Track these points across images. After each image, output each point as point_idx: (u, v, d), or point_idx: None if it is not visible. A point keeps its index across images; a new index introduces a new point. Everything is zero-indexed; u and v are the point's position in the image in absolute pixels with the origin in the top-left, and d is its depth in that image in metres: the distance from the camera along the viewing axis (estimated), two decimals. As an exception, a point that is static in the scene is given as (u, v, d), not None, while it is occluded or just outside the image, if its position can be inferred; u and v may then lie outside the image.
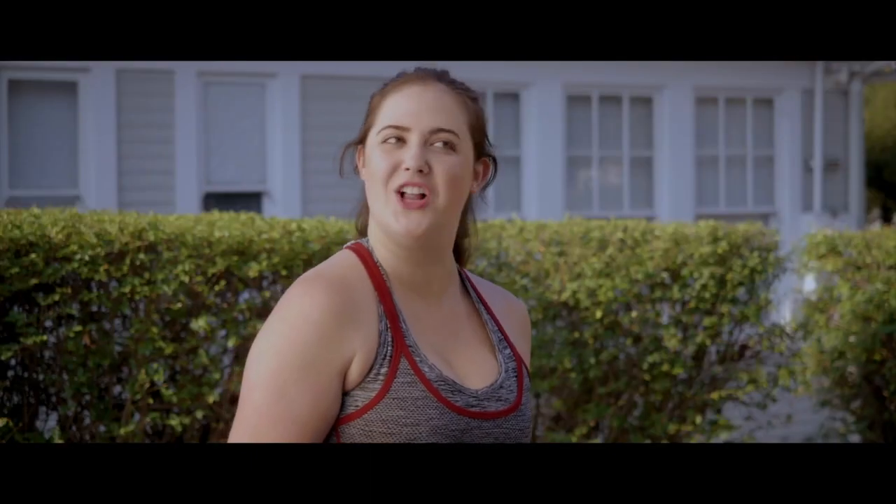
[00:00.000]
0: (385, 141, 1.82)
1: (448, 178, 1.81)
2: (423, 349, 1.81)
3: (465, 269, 1.98)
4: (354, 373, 1.76)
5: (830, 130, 10.12)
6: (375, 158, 1.82)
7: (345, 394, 1.76)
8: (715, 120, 9.79)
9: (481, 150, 1.89)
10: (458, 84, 1.88)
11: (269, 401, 1.73)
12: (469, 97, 1.88)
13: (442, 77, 1.87)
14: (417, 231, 1.80)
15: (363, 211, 1.92)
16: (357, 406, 1.75)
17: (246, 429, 1.73)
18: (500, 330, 1.94)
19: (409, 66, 1.96)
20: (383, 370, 1.76)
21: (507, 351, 1.92)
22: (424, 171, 1.80)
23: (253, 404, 1.74)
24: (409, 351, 1.79)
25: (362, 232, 1.93)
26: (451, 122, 1.83)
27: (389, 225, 1.81)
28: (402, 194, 1.80)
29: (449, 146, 1.83)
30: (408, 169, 1.79)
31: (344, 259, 1.86)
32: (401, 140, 1.81)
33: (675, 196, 9.50)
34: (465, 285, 1.96)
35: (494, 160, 1.92)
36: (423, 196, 1.80)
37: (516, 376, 1.89)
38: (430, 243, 1.83)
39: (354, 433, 1.75)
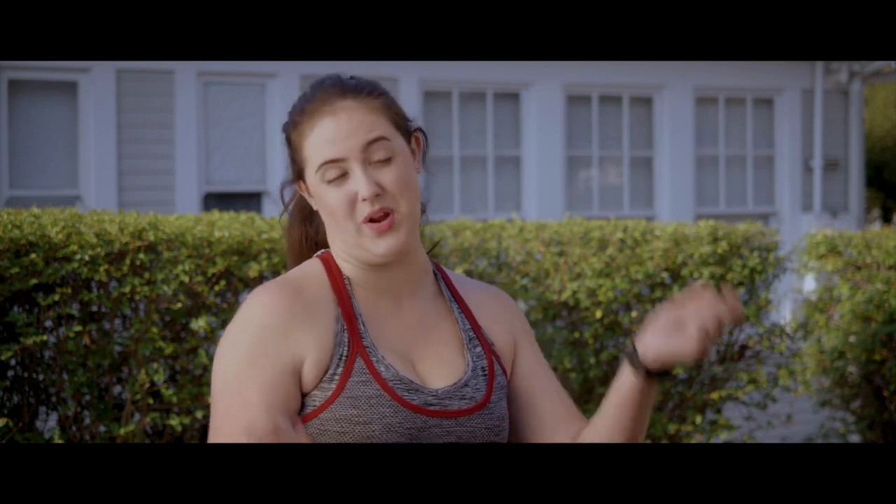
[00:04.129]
0: (329, 180, 1.82)
1: (401, 187, 1.82)
2: (382, 350, 1.82)
3: (443, 268, 1.99)
4: (309, 375, 1.79)
5: (830, 130, 10.12)
6: (329, 198, 1.83)
7: (305, 395, 1.79)
8: (715, 120, 9.79)
9: (407, 130, 1.89)
10: (357, 88, 1.86)
11: (230, 405, 1.78)
12: (373, 95, 1.86)
13: (343, 90, 1.85)
14: (397, 249, 1.83)
15: (299, 223, 1.98)
16: (314, 405, 1.78)
17: (217, 437, 1.78)
18: (474, 328, 1.93)
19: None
20: (339, 370, 1.79)
21: (478, 349, 1.91)
22: (379, 192, 1.81)
23: (218, 413, 1.79)
24: (366, 351, 1.80)
25: (293, 246, 1.98)
26: (375, 130, 1.83)
27: (366, 252, 1.83)
28: (370, 220, 1.81)
29: (384, 152, 1.83)
30: (364, 199, 1.80)
31: (308, 265, 1.90)
32: (341, 170, 1.82)
33: (675, 196, 9.50)
34: (440, 283, 1.96)
35: (422, 131, 1.93)
36: (388, 215, 1.81)
37: (485, 375, 1.88)
38: (403, 254, 1.86)
39: (313, 432, 1.77)
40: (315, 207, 1.89)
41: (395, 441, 1.77)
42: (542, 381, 1.97)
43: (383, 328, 1.85)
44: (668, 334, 1.81)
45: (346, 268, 1.88)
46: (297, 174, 1.88)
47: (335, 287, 1.85)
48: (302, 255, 1.98)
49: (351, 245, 1.85)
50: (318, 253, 1.93)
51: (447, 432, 1.81)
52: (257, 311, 1.80)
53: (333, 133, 1.82)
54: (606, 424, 1.87)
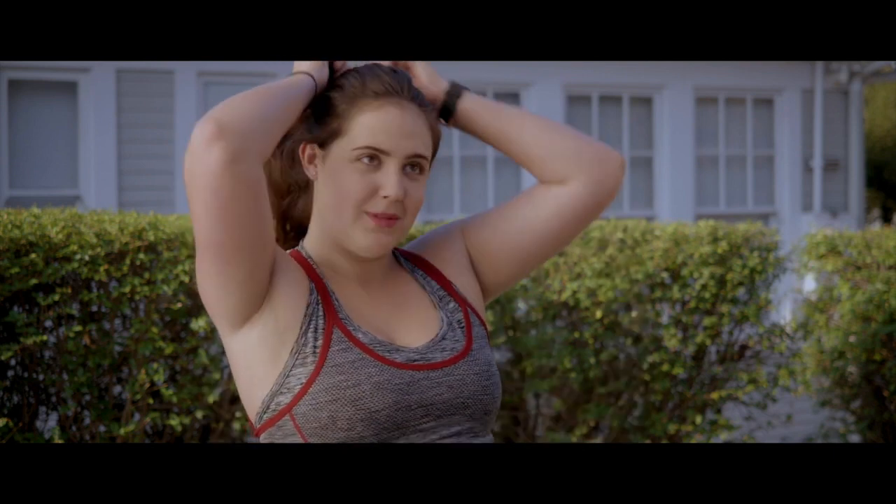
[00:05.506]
0: (359, 159, 1.82)
1: (417, 202, 1.86)
2: (357, 321, 1.84)
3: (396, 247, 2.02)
4: (281, 315, 1.78)
5: (830, 130, 10.12)
6: (347, 178, 1.82)
7: (287, 376, 1.77)
8: (715, 120, 9.79)
9: (434, 155, 1.94)
10: (423, 100, 1.89)
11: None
12: (431, 113, 1.90)
13: (413, 95, 1.87)
14: (382, 251, 1.85)
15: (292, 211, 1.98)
16: (301, 383, 1.77)
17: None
18: (445, 286, 1.96)
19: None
20: (318, 343, 1.79)
21: (452, 304, 1.94)
22: (401, 199, 1.82)
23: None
24: (342, 322, 1.82)
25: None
26: (423, 147, 1.86)
27: (354, 240, 1.84)
28: (375, 216, 1.82)
29: (419, 168, 1.86)
30: (386, 197, 1.81)
31: None
32: (376, 160, 1.82)
33: (675, 196, 9.50)
34: (399, 260, 1.99)
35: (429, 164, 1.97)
36: (392, 219, 1.83)
37: (462, 327, 1.91)
38: (383, 254, 1.87)
39: (306, 410, 1.76)
40: (312, 176, 1.88)
41: (386, 400, 1.77)
42: (499, 212, 2.01)
43: (356, 305, 1.87)
44: None
45: (320, 253, 1.89)
46: (322, 138, 1.86)
47: (307, 271, 1.86)
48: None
49: (338, 229, 1.85)
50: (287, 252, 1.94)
51: (437, 384, 1.82)
52: None
53: (394, 126, 1.82)
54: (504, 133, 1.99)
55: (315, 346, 1.79)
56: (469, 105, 1.97)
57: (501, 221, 1.99)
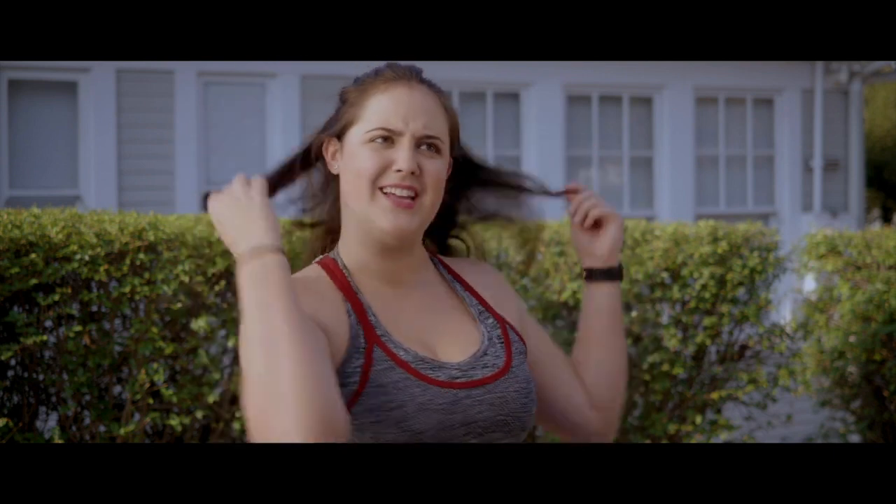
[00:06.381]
0: (372, 140, 1.83)
1: (434, 181, 1.85)
2: (396, 336, 1.83)
3: (438, 255, 2.02)
4: (332, 348, 1.75)
5: (830, 130, 10.12)
6: (362, 157, 1.84)
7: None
8: (715, 120, 9.79)
9: (452, 151, 1.94)
10: (434, 85, 1.92)
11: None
12: (447, 99, 1.92)
13: (422, 78, 1.90)
14: (407, 230, 1.83)
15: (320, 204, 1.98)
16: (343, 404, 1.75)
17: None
18: (480, 301, 1.96)
19: (408, 66, 1.97)
20: (359, 363, 1.77)
21: (491, 320, 1.94)
22: (416, 172, 1.82)
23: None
24: (382, 340, 1.80)
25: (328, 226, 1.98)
26: (437, 127, 1.87)
27: (374, 222, 1.83)
28: (389, 194, 1.82)
29: (434, 148, 1.86)
30: (399, 170, 1.81)
31: (304, 271, 1.90)
32: (388, 140, 1.83)
33: (675, 196, 9.50)
34: (439, 268, 1.99)
35: (455, 160, 1.97)
36: (412, 197, 1.83)
37: (502, 342, 1.91)
38: (408, 239, 1.86)
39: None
40: (335, 170, 1.89)
41: (430, 420, 1.76)
42: (549, 347, 2.06)
43: (394, 315, 1.86)
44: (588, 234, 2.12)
45: (352, 255, 1.88)
46: (339, 129, 1.88)
47: (340, 285, 1.85)
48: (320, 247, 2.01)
49: (360, 214, 1.84)
50: (316, 259, 1.93)
51: (478, 402, 1.81)
52: None
53: (402, 106, 1.84)
54: (597, 341, 2.08)
55: (357, 367, 1.77)
56: (609, 291, 2.09)
57: (539, 371, 2.02)
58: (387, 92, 1.85)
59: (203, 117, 7.79)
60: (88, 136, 7.51)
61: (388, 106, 1.84)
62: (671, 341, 5.09)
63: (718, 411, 5.31)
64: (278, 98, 7.83)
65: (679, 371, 5.11)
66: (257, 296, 1.65)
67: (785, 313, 8.00)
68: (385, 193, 1.82)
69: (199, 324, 4.10)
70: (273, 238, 1.70)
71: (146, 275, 4.03)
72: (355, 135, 1.85)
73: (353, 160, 1.85)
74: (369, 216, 1.83)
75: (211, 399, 4.14)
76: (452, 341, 1.88)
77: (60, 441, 3.96)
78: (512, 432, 1.85)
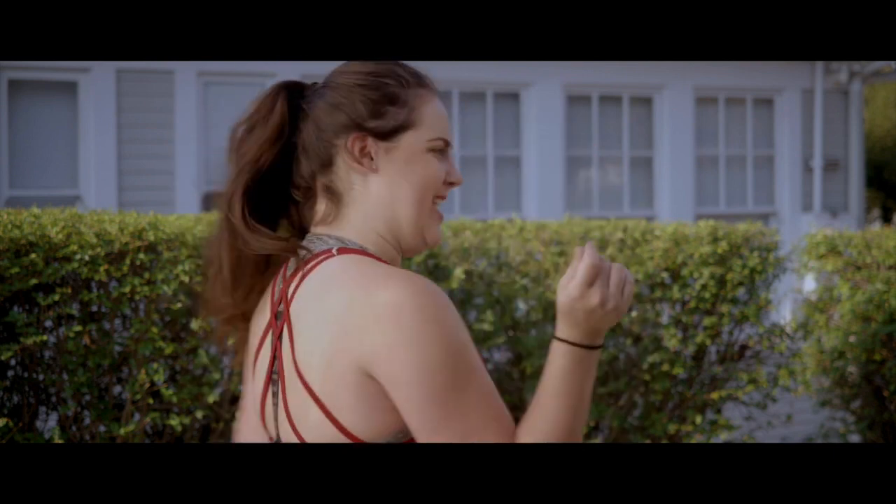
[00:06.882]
0: (434, 150, 1.82)
1: None
2: None
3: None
4: None
5: (830, 130, 10.13)
6: (430, 165, 1.81)
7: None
8: (715, 120, 9.79)
9: None
10: None
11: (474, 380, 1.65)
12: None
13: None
14: (440, 240, 1.87)
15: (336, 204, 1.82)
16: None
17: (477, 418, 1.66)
18: None
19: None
20: None
21: None
22: None
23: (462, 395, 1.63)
24: None
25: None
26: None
27: (428, 231, 1.82)
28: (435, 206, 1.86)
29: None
30: (452, 183, 1.84)
31: (383, 264, 1.76)
32: (444, 152, 1.85)
33: (675, 196, 9.51)
34: None
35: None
36: None
37: None
38: None
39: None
40: (375, 167, 1.78)
41: None
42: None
43: None
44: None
45: (384, 254, 1.80)
46: (388, 129, 1.79)
47: None
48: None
49: (412, 222, 1.80)
50: (335, 248, 1.78)
51: None
52: (432, 299, 1.64)
53: (447, 119, 1.86)
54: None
55: None
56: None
57: None
58: (433, 101, 1.84)
59: (203, 117, 7.79)
60: (88, 136, 7.51)
61: (443, 116, 1.85)
62: (671, 341, 5.09)
63: (718, 411, 5.31)
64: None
65: (679, 371, 5.11)
66: (588, 388, 1.69)
67: (785, 313, 8.00)
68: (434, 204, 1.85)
69: (199, 324, 4.10)
70: None
71: (146, 275, 4.03)
72: (416, 140, 1.80)
73: (415, 166, 1.80)
74: (427, 224, 1.82)
75: (211, 399, 4.14)
76: None
77: (60, 441, 3.96)
78: None
